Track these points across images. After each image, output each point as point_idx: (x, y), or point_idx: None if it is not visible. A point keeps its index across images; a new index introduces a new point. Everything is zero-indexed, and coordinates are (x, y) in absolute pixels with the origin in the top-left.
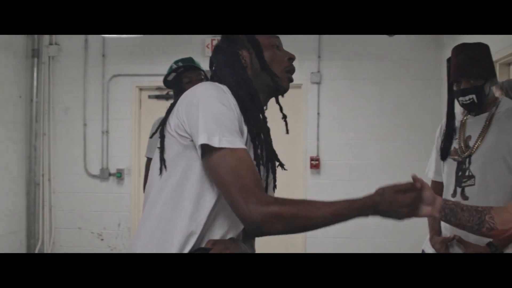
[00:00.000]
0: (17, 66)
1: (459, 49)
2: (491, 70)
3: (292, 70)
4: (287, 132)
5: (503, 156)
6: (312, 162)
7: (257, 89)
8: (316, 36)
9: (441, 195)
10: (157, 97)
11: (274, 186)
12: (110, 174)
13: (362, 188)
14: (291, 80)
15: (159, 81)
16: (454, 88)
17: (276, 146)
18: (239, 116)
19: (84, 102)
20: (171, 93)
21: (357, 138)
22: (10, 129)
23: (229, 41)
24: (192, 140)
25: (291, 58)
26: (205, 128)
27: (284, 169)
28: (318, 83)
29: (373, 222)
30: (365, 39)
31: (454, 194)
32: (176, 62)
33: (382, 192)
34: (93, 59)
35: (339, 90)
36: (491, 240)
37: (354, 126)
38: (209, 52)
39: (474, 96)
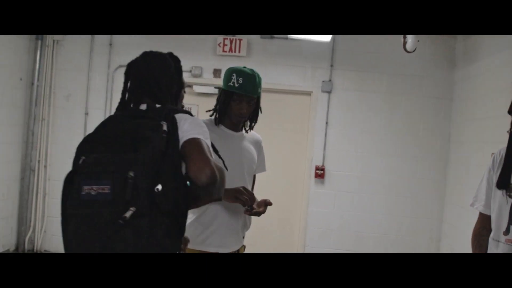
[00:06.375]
0: (19, 47)
1: None
2: None
3: None
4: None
5: None
6: (317, 171)
7: None
8: (330, 45)
9: (489, 228)
10: None
11: None
12: None
13: (365, 201)
14: None
15: None
16: None
17: (280, 153)
18: None
19: (87, 90)
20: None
21: (364, 150)
22: (8, 112)
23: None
24: None
25: None
26: None
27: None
28: (329, 92)
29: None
30: (379, 52)
31: (507, 232)
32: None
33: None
34: (100, 48)
35: (349, 101)
36: None
37: (361, 138)
38: (220, 51)
39: None
